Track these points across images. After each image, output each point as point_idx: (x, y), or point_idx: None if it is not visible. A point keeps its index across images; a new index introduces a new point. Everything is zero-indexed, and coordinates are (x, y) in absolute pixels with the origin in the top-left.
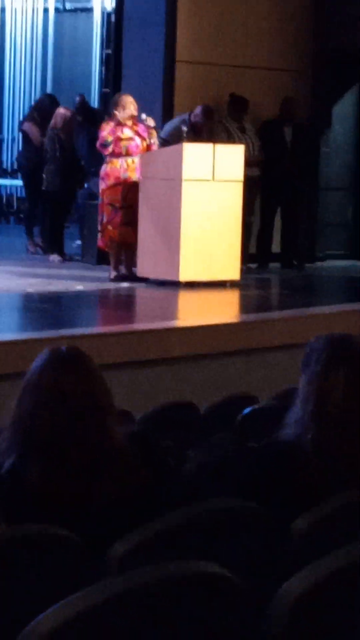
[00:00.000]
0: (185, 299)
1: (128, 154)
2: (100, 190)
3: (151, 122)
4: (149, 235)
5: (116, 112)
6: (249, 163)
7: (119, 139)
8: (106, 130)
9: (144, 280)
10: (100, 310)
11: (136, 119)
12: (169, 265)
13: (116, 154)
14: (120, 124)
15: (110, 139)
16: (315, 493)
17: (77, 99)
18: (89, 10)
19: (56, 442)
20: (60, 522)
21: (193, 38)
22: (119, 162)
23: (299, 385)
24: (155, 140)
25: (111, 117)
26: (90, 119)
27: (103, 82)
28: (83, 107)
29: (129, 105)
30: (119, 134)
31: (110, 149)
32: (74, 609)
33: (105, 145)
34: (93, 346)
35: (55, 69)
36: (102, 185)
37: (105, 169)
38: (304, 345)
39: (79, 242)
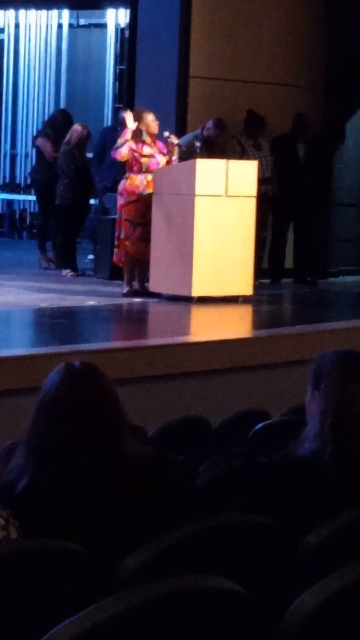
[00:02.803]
0: (197, 314)
1: (148, 171)
2: (118, 206)
3: (175, 140)
4: (162, 251)
5: (141, 129)
6: (262, 181)
7: (140, 156)
8: (124, 143)
9: (157, 295)
10: (112, 326)
11: (154, 137)
12: (182, 280)
13: (136, 171)
14: (140, 141)
15: (124, 153)
16: (331, 508)
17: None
18: (103, 26)
19: (70, 458)
20: (73, 537)
21: (206, 54)
22: (138, 179)
23: (309, 403)
24: (175, 158)
25: (131, 135)
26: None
27: (117, 98)
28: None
29: (151, 123)
30: (139, 151)
31: (121, 154)
32: (85, 623)
33: (121, 154)
34: (105, 361)
35: (69, 84)
36: (121, 201)
37: (124, 184)
38: None
39: (91, 256)
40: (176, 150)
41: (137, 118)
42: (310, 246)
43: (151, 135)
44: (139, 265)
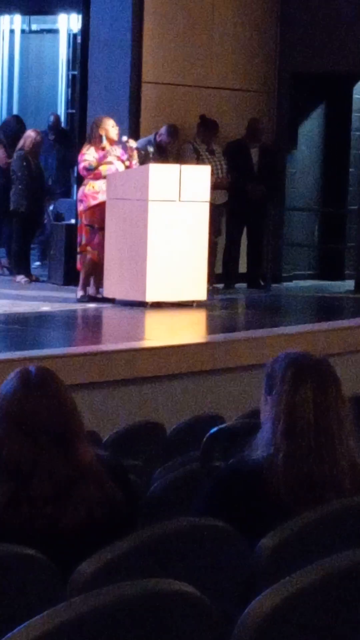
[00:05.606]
0: (152, 319)
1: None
2: (78, 212)
3: (133, 144)
4: (116, 256)
5: (101, 134)
6: (216, 186)
7: (99, 164)
8: (90, 155)
9: (111, 300)
10: (67, 331)
11: (115, 143)
12: (136, 285)
13: (96, 177)
14: (100, 147)
15: (95, 164)
16: (284, 511)
17: (51, 118)
18: (55, 31)
19: (26, 465)
20: (30, 544)
21: (159, 59)
22: (97, 185)
23: (263, 407)
24: (135, 162)
25: (91, 139)
26: (61, 139)
27: (69, 103)
28: (56, 126)
29: (110, 128)
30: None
31: (92, 174)
32: (40, 629)
33: (89, 169)
34: (60, 367)
35: (22, 90)
36: (81, 207)
37: (83, 190)
38: None
39: (38, 263)
40: (136, 154)
41: (97, 124)
42: (263, 251)
43: (111, 141)
44: (96, 271)
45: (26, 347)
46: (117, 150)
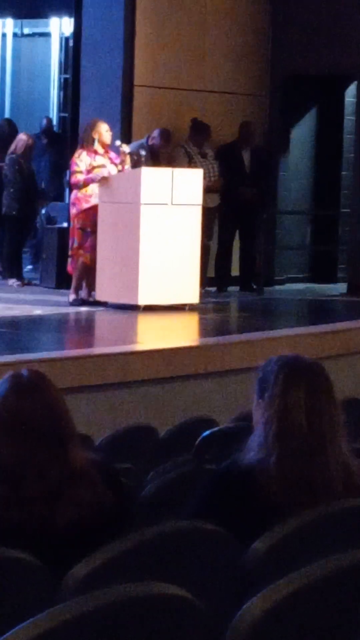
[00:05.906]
0: (144, 322)
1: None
2: (71, 216)
3: (126, 149)
4: (108, 260)
5: (94, 137)
6: (209, 189)
7: (92, 167)
8: (82, 163)
9: (103, 304)
10: (59, 335)
11: (108, 147)
12: (128, 289)
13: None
14: (92, 151)
15: (82, 180)
16: (277, 514)
17: (44, 121)
18: (47, 35)
19: (18, 468)
20: (23, 547)
21: (151, 62)
22: (89, 188)
23: (255, 411)
24: (128, 166)
25: (83, 143)
26: (54, 142)
27: (61, 107)
28: (49, 130)
29: (104, 132)
30: (91, 162)
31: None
32: (32, 632)
33: (78, 186)
34: (52, 370)
35: (14, 93)
36: (73, 210)
37: (76, 194)
38: None
39: (30, 266)
40: (128, 159)
41: (91, 127)
42: (255, 254)
43: (104, 145)
44: (89, 274)
45: (18, 350)
46: (106, 170)
